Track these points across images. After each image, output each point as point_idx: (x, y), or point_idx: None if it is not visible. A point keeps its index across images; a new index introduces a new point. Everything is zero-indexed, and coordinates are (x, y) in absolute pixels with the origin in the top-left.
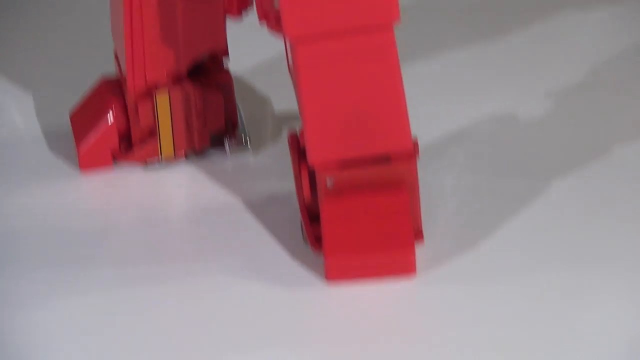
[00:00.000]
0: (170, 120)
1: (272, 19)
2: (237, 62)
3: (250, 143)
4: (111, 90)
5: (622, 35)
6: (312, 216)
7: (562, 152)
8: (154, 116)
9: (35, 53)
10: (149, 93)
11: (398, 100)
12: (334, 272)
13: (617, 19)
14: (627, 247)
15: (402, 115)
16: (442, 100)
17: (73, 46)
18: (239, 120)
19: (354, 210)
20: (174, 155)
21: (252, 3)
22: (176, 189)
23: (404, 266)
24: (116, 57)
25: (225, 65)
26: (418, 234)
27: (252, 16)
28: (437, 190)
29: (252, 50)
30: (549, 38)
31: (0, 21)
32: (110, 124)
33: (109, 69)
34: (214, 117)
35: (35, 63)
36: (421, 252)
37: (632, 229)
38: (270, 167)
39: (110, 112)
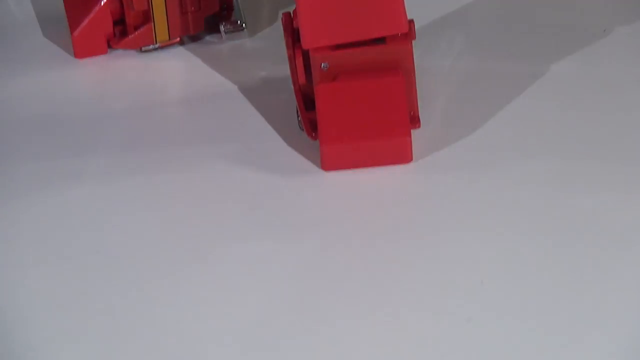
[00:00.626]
0: (164, 4)
1: None
2: None
3: (246, 26)
4: None
5: None
6: (307, 101)
7: (563, 35)
8: (148, 0)
9: None
10: None
11: None
12: (329, 162)
13: None
14: (624, 137)
15: None
16: None
17: None
18: (234, 2)
19: (349, 95)
20: (169, 39)
21: None
22: (171, 74)
23: (400, 153)
24: None
25: None
26: (414, 120)
27: None
28: (435, 75)
29: None
30: None
31: None
32: (103, 8)
33: None
34: (208, 0)
35: None
36: (417, 138)
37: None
38: (266, 50)
39: None
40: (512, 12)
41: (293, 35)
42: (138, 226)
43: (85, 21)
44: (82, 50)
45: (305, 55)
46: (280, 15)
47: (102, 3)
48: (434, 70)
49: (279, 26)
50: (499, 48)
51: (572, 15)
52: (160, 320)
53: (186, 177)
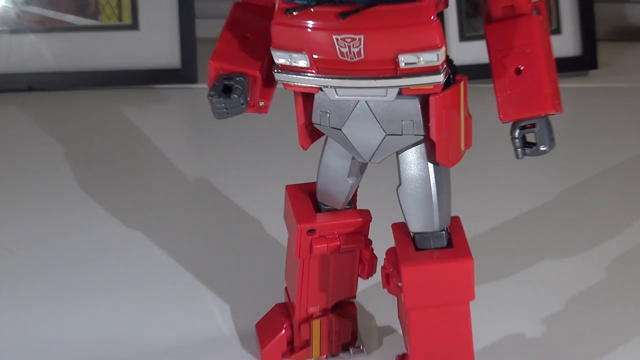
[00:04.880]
0: (319, 336)
1: (394, 288)
2: None
3: (366, 350)
4: (283, 312)
5: None
6: None
7: None
8: (310, 333)
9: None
10: (308, 319)
11: None
12: None
13: None
14: None
15: None
16: None
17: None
18: (358, 335)
19: None
20: (319, 355)
21: (375, 272)
22: None
23: None
24: (287, 290)
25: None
26: None
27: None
28: None
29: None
30: None
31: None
32: (282, 335)
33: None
34: (344, 334)
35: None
36: None
37: None
38: None
39: (283, 328)
40: None
41: None
42: None
43: (271, 342)
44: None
45: None
46: (385, 341)
47: (282, 331)
48: None
49: (384, 349)
50: None
51: None
52: None
53: None
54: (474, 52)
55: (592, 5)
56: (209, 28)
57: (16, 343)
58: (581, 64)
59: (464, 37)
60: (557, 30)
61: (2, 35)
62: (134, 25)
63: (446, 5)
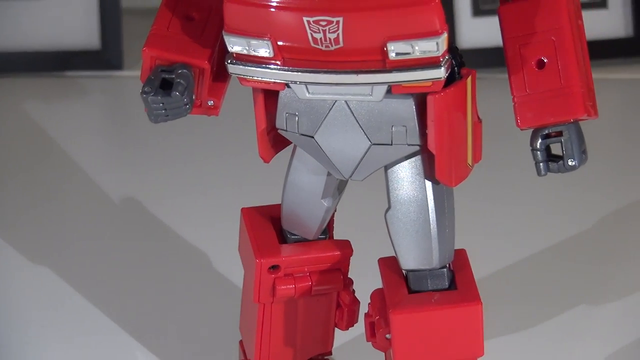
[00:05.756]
0: None
1: (381, 342)
2: None
3: None
4: None
5: None
6: None
7: None
8: None
9: None
10: None
11: None
12: None
13: None
14: None
15: None
16: None
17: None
18: None
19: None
20: None
21: (357, 321)
22: None
23: None
24: (241, 344)
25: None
26: None
27: None
28: None
29: None
30: None
31: None
32: None
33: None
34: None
35: None
36: None
37: None
38: None
39: None
40: None
41: None
42: None
43: None
44: None
45: None
46: None
47: None
48: None
49: None
50: None
51: None
52: None
53: None
54: (492, 32)
55: None
56: None
57: None
58: (633, 47)
59: (478, 10)
60: (602, 3)
61: None
62: None
63: None
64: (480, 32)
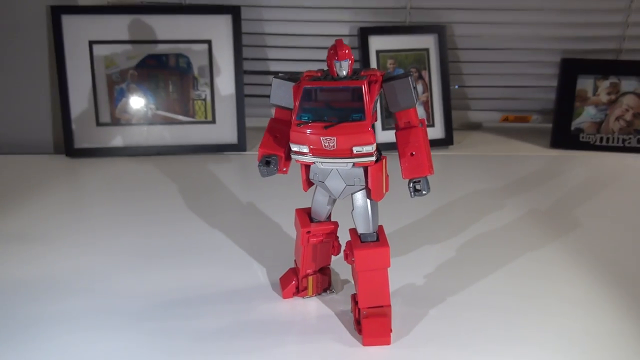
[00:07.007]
0: (312, 285)
1: (350, 261)
2: None
3: (335, 291)
4: (293, 272)
5: None
6: None
7: None
8: (307, 283)
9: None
10: (306, 276)
11: None
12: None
13: None
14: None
15: None
16: None
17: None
18: (331, 284)
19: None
20: (312, 294)
21: (339, 253)
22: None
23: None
24: (295, 261)
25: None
26: None
27: None
28: None
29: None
30: None
31: None
32: (293, 284)
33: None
34: (324, 283)
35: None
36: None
37: None
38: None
39: (294, 280)
40: None
41: None
42: None
43: (288, 287)
44: (286, 294)
45: None
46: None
47: (293, 282)
48: None
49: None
50: None
51: None
52: None
53: None
54: (390, 136)
55: (450, 111)
56: (253, 122)
57: None
58: (444, 142)
59: (385, 128)
60: (431, 125)
61: (144, 126)
62: (213, 120)
63: (376, 119)
64: (387, 136)
